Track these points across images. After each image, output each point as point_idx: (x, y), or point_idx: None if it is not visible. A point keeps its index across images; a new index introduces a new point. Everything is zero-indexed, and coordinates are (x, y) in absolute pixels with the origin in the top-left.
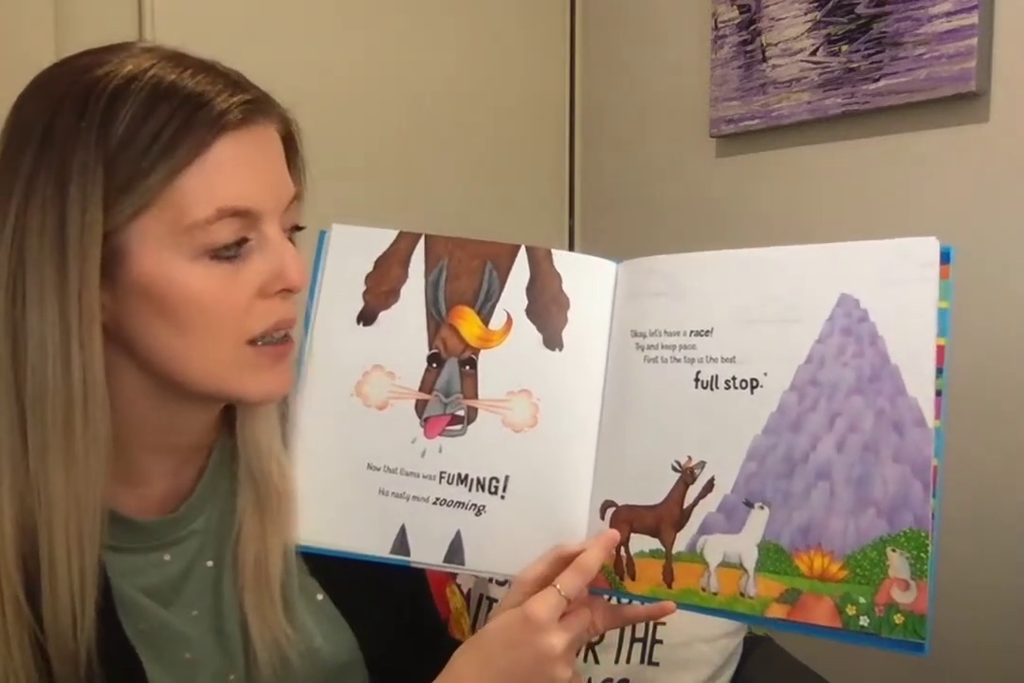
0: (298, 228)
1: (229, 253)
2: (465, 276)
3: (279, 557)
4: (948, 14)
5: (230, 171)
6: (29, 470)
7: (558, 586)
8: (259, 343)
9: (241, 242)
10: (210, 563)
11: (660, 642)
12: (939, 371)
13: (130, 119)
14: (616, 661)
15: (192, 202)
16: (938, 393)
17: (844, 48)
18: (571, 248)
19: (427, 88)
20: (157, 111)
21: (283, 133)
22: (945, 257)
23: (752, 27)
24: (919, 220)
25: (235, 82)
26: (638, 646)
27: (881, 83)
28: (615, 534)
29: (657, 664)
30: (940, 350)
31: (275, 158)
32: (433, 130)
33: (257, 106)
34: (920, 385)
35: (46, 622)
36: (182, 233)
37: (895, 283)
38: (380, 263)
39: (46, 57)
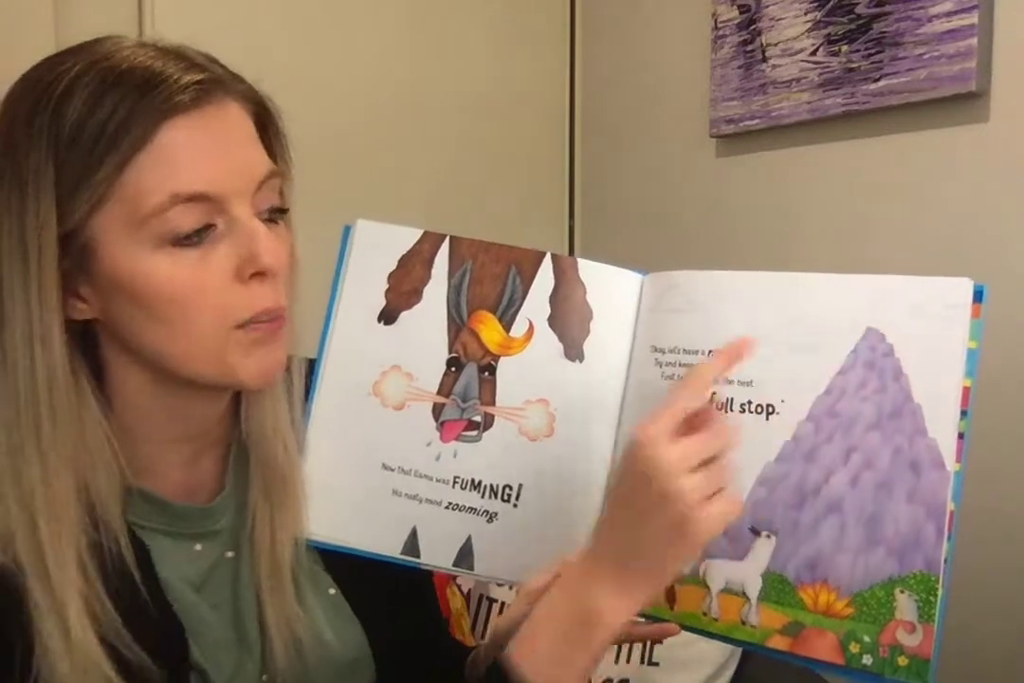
0: (280, 210)
1: (192, 240)
2: (488, 281)
3: (288, 542)
4: (948, 14)
5: (180, 156)
6: (15, 464)
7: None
8: (253, 327)
9: (205, 228)
10: (230, 554)
11: (660, 642)
12: (963, 413)
13: (77, 116)
14: (616, 661)
15: (145, 192)
16: (960, 436)
17: (844, 48)
18: (571, 249)
19: (427, 88)
20: (103, 104)
21: (253, 111)
22: (978, 296)
23: (752, 27)
24: (919, 220)
25: (191, 64)
26: (638, 646)
27: (881, 83)
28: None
29: (657, 664)
30: (966, 392)
31: (236, 137)
32: (433, 130)
33: (210, 85)
34: (942, 426)
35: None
36: (140, 224)
37: (924, 321)
38: (404, 262)
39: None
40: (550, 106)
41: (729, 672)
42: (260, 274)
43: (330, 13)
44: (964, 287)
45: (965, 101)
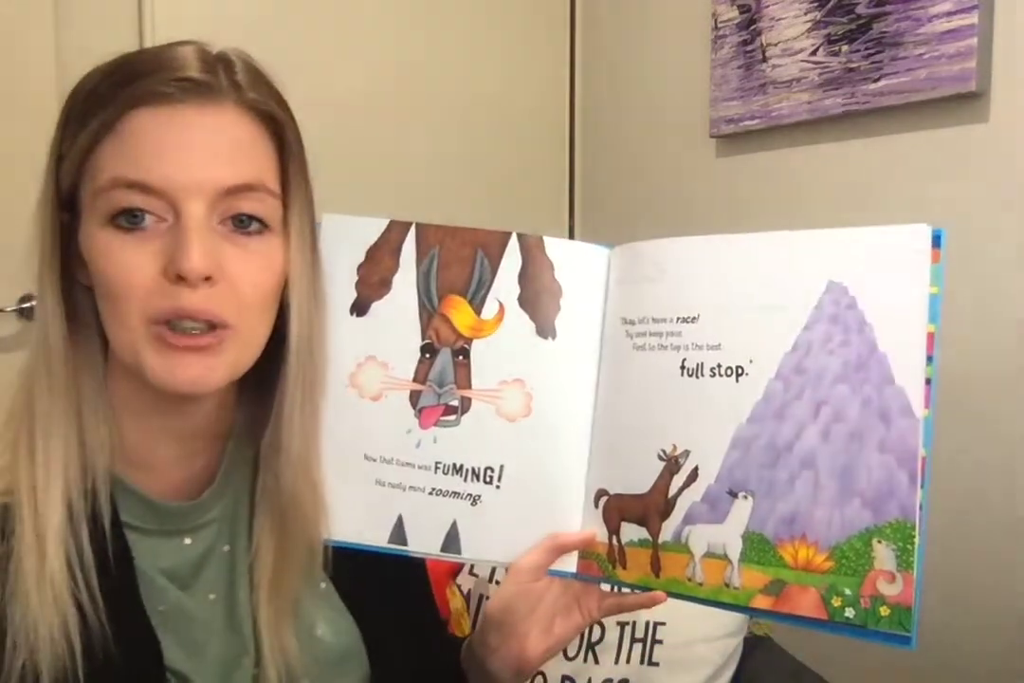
0: (255, 220)
1: (126, 223)
2: (456, 265)
3: (294, 578)
4: (948, 14)
5: (136, 144)
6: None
7: None
8: (169, 327)
9: (140, 215)
10: (226, 547)
11: (660, 642)
12: (929, 359)
13: (81, 92)
14: (616, 661)
15: (100, 170)
16: (927, 381)
17: (844, 48)
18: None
19: (428, 88)
20: (100, 85)
21: (265, 124)
22: (936, 241)
23: (752, 27)
24: (919, 220)
25: (207, 66)
26: (638, 646)
27: (881, 83)
28: None
29: (657, 664)
30: (930, 337)
31: (214, 141)
32: (434, 130)
33: (203, 87)
34: (908, 373)
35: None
36: (94, 199)
37: (885, 270)
38: (372, 253)
39: (46, 57)
40: (550, 106)
41: (729, 672)
42: (180, 278)
43: (331, 13)
44: (922, 233)
45: (965, 101)
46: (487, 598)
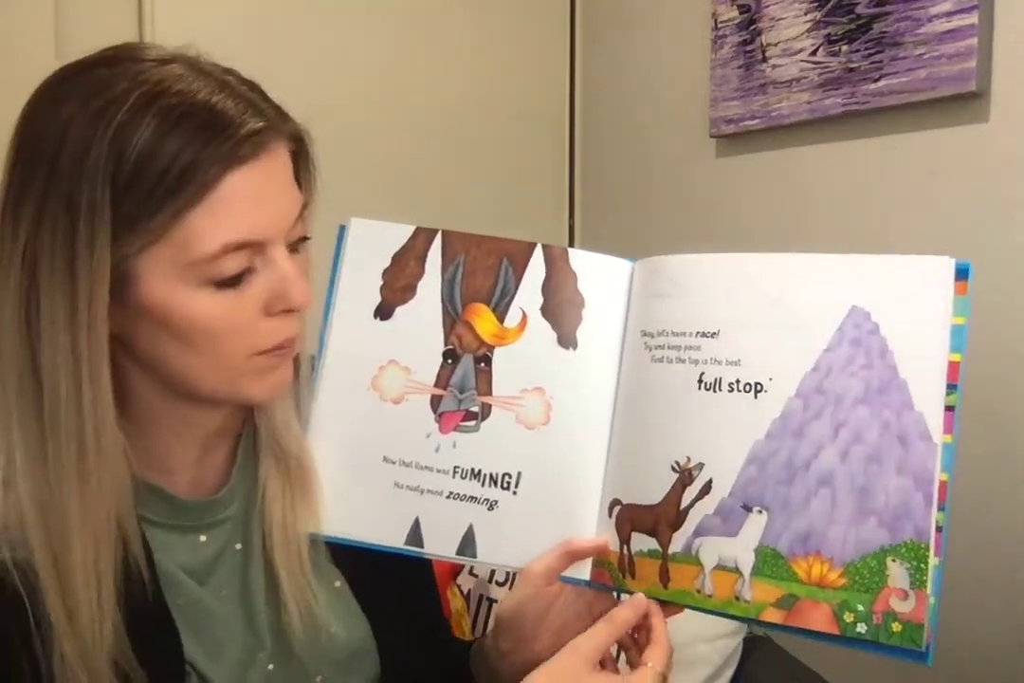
0: (304, 238)
1: (233, 282)
2: (481, 273)
3: (304, 516)
4: (948, 14)
5: (238, 207)
6: (49, 484)
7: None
8: (267, 352)
9: (246, 271)
10: (239, 546)
11: None
12: (952, 387)
13: (138, 155)
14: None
15: (197, 238)
16: (950, 408)
17: (844, 48)
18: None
19: (428, 88)
20: (165, 146)
21: (293, 148)
22: (963, 273)
23: (752, 27)
24: (919, 220)
25: (249, 103)
26: None
27: (881, 83)
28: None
29: None
30: (954, 366)
31: (284, 182)
32: (434, 130)
33: (268, 134)
34: (928, 400)
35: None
36: (187, 266)
37: (907, 299)
38: (397, 258)
39: (46, 58)
40: (550, 106)
41: (729, 672)
42: (288, 310)
43: (330, 14)
44: (945, 265)
45: (965, 101)
46: (487, 598)
